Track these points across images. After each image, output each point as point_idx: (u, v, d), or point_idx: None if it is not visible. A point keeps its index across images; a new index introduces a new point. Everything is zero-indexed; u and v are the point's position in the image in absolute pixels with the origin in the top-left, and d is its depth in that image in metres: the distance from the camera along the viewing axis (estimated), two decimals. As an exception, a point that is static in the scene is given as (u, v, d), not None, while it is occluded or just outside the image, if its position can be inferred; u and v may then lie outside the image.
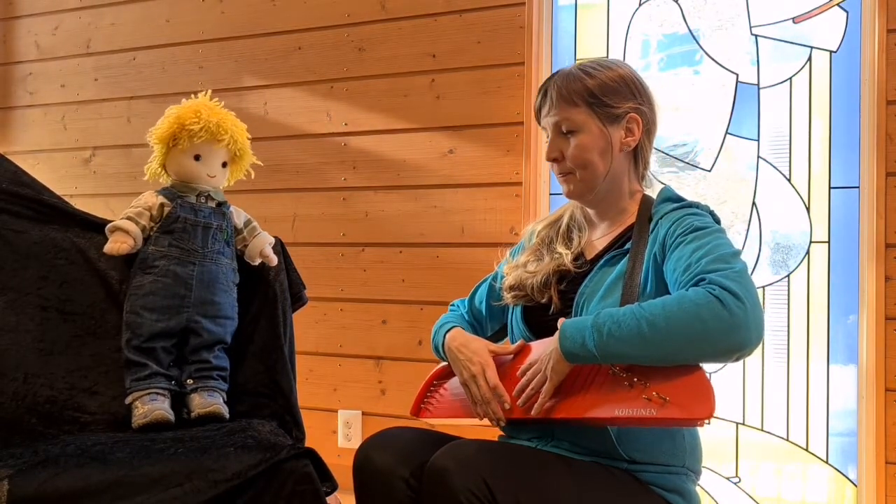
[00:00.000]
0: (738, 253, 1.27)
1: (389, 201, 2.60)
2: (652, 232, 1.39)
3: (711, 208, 1.42)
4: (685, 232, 1.32)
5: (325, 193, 2.69)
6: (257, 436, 1.48)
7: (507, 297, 1.52)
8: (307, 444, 1.56)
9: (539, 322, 1.45)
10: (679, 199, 1.44)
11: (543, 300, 1.45)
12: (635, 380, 1.23)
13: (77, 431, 1.55)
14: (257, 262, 1.72)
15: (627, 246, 1.41)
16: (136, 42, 2.99)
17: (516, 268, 1.53)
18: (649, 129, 1.48)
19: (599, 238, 1.50)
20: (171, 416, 1.54)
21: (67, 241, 1.72)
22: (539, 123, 1.52)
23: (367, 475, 1.35)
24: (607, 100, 1.42)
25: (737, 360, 1.21)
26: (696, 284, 1.21)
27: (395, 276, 2.58)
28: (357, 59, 2.65)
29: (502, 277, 1.56)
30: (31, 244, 1.69)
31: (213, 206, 1.67)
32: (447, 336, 1.53)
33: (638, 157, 1.49)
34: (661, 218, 1.39)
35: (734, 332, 1.16)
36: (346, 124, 2.66)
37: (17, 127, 3.19)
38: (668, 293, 1.31)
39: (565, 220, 1.55)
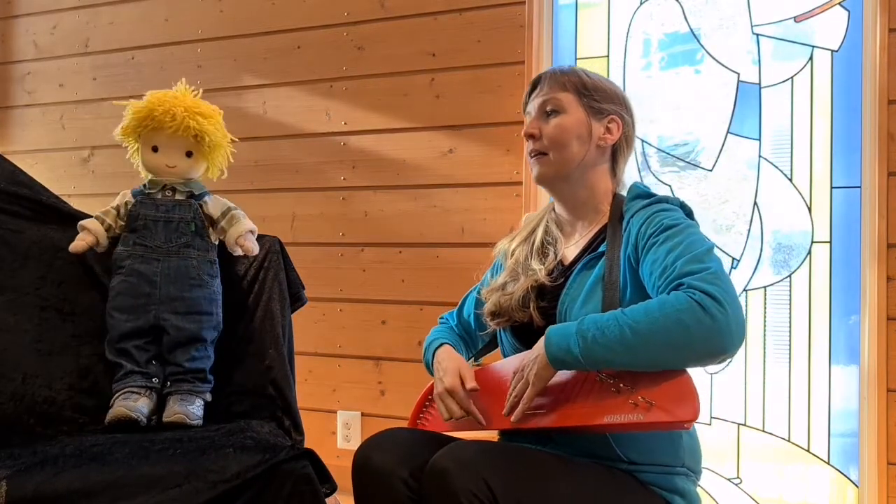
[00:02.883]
0: (711, 249, 1.28)
1: (389, 201, 2.59)
2: (624, 231, 1.39)
3: (682, 200, 1.43)
4: (656, 232, 1.32)
5: (325, 193, 2.68)
6: (256, 437, 1.47)
7: (491, 323, 1.52)
8: (306, 444, 1.56)
9: (528, 336, 1.44)
10: (649, 194, 1.44)
11: (525, 319, 1.45)
12: (622, 385, 1.24)
13: (75, 432, 1.55)
14: (237, 252, 1.67)
15: (602, 248, 1.41)
16: (135, 41, 2.98)
17: (495, 291, 1.53)
18: (628, 139, 1.51)
19: (575, 243, 1.50)
20: (134, 413, 1.51)
21: (65, 241, 1.71)
22: (524, 111, 1.54)
23: (366, 476, 1.34)
24: (595, 94, 1.47)
25: (720, 363, 1.22)
26: (675, 289, 1.22)
27: (394, 277, 2.57)
28: (356, 57, 2.64)
29: (485, 303, 1.56)
30: (30, 244, 1.69)
31: (182, 198, 1.65)
32: (436, 353, 1.55)
33: (616, 160, 1.51)
34: (632, 216, 1.40)
35: (717, 336, 1.17)
36: (345, 123, 2.65)
37: (16, 126, 3.18)
38: (648, 296, 1.31)
39: (539, 234, 1.55)
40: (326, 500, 1.39)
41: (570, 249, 1.50)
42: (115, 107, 3.05)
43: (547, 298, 1.44)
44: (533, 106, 1.51)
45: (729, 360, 1.23)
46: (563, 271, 1.46)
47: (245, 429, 1.52)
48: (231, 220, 1.67)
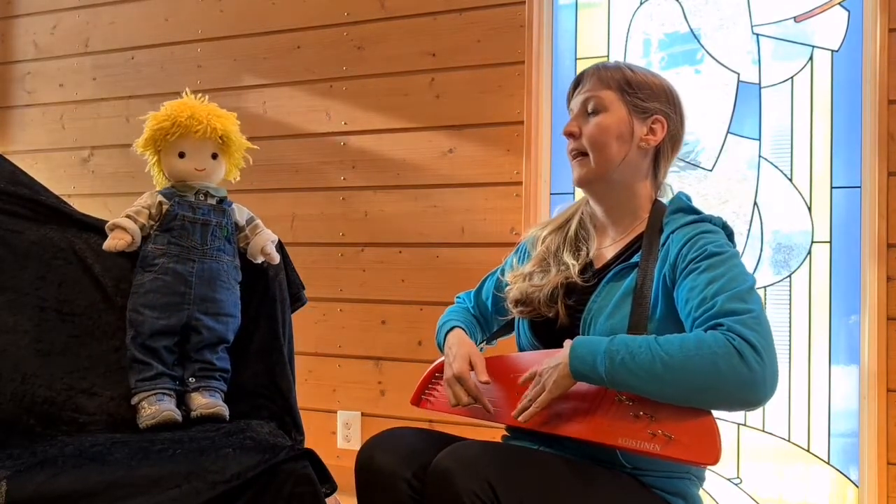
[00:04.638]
0: (753, 286, 1.24)
1: (389, 201, 2.59)
2: (662, 246, 1.35)
3: (725, 220, 1.39)
4: (698, 258, 1.28)
5: (325, 193, 2.68)
6: (256, 437, 1.47)
7: (514, 311, 1.49)
8: (306, 445, 1.55)
9: (547, 335, 1.43)
10: (692, 209, 1.40)
11: (550, 314, 1.43)
12: (641, 413, 1.21)
13: (75, 432, 1.54)
14: (259, 260, 1.71)
15: (635, 259, 1.38)
16: (135, 41, 2.98)
17: (521, 278, 1.49)
18: (674, 139, 1.45)
19: (609, 246, 1.47)
20: (178, 416, 1.55)
21: (65, 241, 1.71)
22: (568, 107, 1.50)
23: (369, 475, 1.34)
24: (640, 92, 1.42)
25: (747, 411, 1.20)
26: (714, 327, 1.19)
27: (394, 276, 2.57)
28: (356, 57, 2.64)
29: (506, 285, 1.54)
30: (29, 244, 1.69)
31: (213, 203, 1.68)
32: (448, 336, 1.53)
33: (658, 162, 1.46)
34: (672, 232, 1.35)
35: (750, 388, 1.14)
36: (345, 123, 2.65)
37: (16, 126, 3.18)
38: (678, 318, 1.30)
39: (573, 226, 1.51)
40: (326, 500, 1.39)
41: (604, 251, 1.46)
42: (116, 107, 3.07)
43: (574, 298, 1.42)
44: (576, 103, 1.46)
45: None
46: (595, 273, 1.43)
47: (245, 429, 1.52)
48: (255, 229, 1.72)
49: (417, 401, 1.56)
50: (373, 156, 2.61)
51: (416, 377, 1.59)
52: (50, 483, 1.26)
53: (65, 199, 1.83)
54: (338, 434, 2.63)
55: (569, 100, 1.50)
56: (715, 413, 1.20)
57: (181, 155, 1.66)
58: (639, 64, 2.34)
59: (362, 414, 2.60)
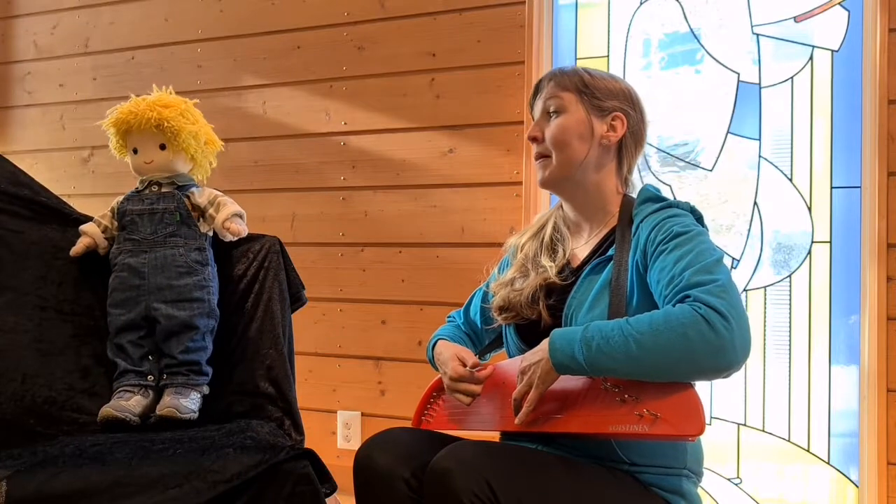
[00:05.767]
0: (720, 259, 1.26)
1: (389, 201, 2.59)
2: (633, 235, 1.38)
3: (692, 205, 1.42)
4: (665, 239, 1.31)
5: (325, 193, 2.68)
6: (256, 437, 1.47)
7: (498, 318, 1.52)
8: (306, 444, 1.56)
9: (533, 337, 1.44)
10: (659, 198, 1.43)
11: (533, 316, 1.45)
12: (627, 396, 1.23)
13: (76, 432, 1.55)
14: (227, 236, 1.69)
15: (611, 252, 1.40)
16: (135, 41, 2.98)
17: (503, 286, 1.52)
18: (636, 135, 1.49)
19: (583, 245, 1.50)
20: (122, 414, 1.53)
21: (65, 241, 1.72)
22: (531, 114, 1.53)
23: (368, 475, 1.34)
24: (597, 92, 1.46)
25: (724, 378, 1.21)
26: (682, 300, 1.21)
27: (394, 276, 2.57)
28: (356, 58, 2.64)
29: (492, 297, 1.56)
30: (30, 244, 1.69)
31: (167, 191, 1.68)
32: (434, 353, 1.56)
33: (622, 158, 1.49)
34: (641, 221, 1.38)
35: (721, 353, 1.16)
36: (345, 123, 2.65)
37: (16, 126, 3.18)
38: (654, 303, 1.31)
39: (548, 230, 1.54)
40: (326, 500, 1.40)
41: (579, 250, 1.49)
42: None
43: (554, 298, 1.44)
44: (537, 108, 1.50)
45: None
46: (573, 272, 1.45)
47: (245, 429, 1.52)
48: (217, 207, 1.69)
49: (418, 423, 1.57)
50: (373, 156, 2.61)
51: (417, 377, 1.59)
52: (50, 483, 1.26)
53: (65, 199, 1.84)
54: (338, 434, 2.63)
55: (531, 107, 1.54)
56: (700, 394, 1.21)
57: (135, 151, 1.70)
58: (638, 64, 2.36)
59: (362, 414, 2.60)
